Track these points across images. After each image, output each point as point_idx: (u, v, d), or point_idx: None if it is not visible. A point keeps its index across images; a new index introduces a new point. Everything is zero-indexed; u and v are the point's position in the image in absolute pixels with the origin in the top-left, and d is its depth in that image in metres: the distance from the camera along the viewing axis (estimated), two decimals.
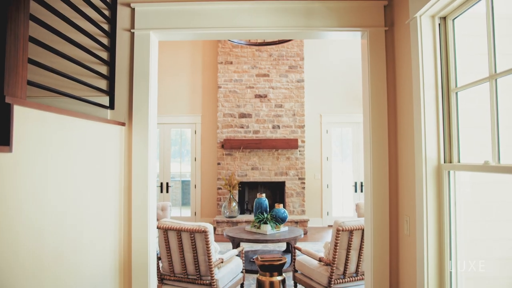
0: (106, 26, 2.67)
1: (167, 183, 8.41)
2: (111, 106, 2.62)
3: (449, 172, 2.09)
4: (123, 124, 2.61)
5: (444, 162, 2.13)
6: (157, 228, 3.51)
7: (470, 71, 2.10)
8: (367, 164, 2.64)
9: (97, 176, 2.31)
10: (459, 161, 2.08)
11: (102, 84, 2.64)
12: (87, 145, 2.21)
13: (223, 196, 7.95)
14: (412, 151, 2.29)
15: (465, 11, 2.02)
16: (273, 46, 7.97)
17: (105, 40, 2.66)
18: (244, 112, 7.96)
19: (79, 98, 2.41)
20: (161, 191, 8.43)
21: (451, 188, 2.07)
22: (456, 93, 2.10)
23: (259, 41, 6.58)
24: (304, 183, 7.95)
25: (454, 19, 2.13)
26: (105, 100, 2.61)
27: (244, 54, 8.00)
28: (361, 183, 8.28)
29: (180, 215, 8.51)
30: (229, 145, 7.80)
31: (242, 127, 7.95)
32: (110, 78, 2.63)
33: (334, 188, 8.34)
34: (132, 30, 2.64)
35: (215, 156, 8.23)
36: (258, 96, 7.98)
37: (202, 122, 8.35)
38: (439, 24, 2.18)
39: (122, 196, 2.63)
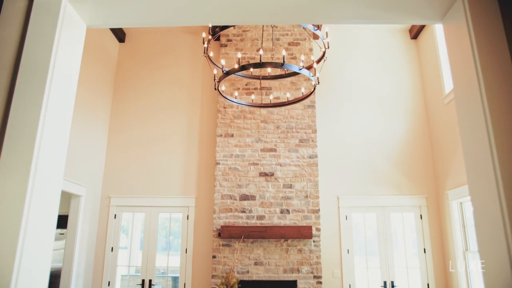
0: None
1: (150, 281, 6.77)
2: None
3: None
4: None
5: None
6: None
7: None
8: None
9: None
10: None
11: None
12: None
13: None
14: None
15: None
16: (281, 117, 6.90)
17: None
18: (246, 194, 6.63)
19: None
20: None
21: None
22: None
23: (264, 101, 5.52)
24: (320, 282, 6.29)
25: None
26: None
27: (247, 126, 6.91)
28: (392, 282, 6.59)
29: None
30: (228, 234, 6.33)
31: (244, 212, 6.55)
32: None
33: None
34: None
35: (210, 247, 6.71)
36: (263, 174, 6.71)
37: (196, 205, 6.98)
38: None
39: None
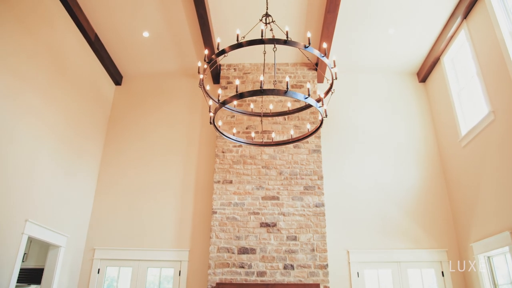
0: None
1: None
2: None
3: None
4: None
5: None
6: None
7: None
8: None
9: None
10: None
11: None
12: None
13: None
14: None
15: None
16: (284, 162, 6.39)
17: None
18: (245, 246, 5.95)
19: None
20: None
21: None
22: None
23: (265, 139, 5.04)
24: None
25: None
26: None
27: (247, 172, 6.38)
28: None
29: None
30: None
31: (243, 267, 5.83)
32: None
33: None
34: None
35: None
36: (265, 224, 6.07)
37: (189, 260, 6.26)
38: None
39: None
